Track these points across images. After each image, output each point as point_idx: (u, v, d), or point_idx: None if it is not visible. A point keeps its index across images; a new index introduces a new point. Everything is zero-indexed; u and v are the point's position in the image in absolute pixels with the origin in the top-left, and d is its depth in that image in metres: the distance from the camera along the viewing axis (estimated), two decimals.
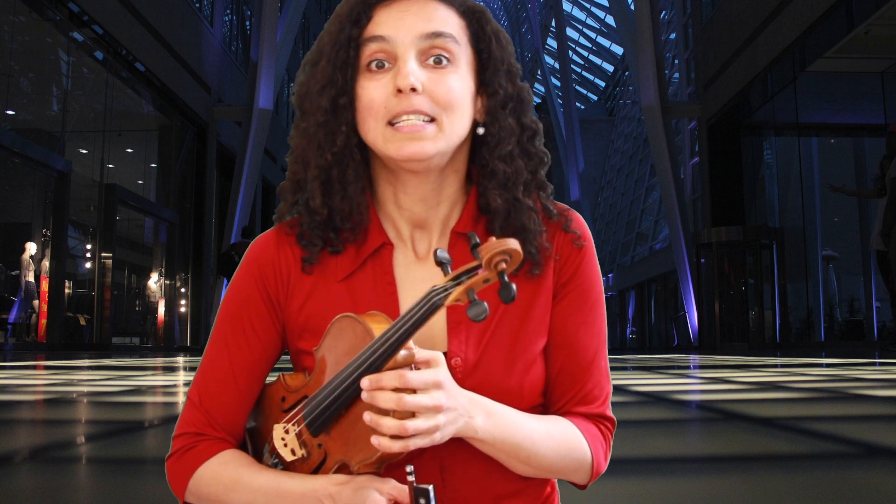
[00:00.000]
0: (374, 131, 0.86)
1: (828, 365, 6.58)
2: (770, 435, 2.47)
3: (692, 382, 5.12)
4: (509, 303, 0.72)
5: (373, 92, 0.86)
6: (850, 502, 1.53)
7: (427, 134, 0.84)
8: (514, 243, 0.72)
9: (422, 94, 0.84)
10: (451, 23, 0.88)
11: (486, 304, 0.72)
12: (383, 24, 0.87)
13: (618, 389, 3.81)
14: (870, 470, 1.83)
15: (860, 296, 13.32)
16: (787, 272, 14.16)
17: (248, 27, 20.51)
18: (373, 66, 0.86)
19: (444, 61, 0.86)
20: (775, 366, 6.62)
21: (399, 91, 0.84)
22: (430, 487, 0.77)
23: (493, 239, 0.72)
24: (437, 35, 0.86)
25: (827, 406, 3.32)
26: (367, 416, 0.76)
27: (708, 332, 14.81)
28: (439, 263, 0.75)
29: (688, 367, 7.07)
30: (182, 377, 5.69)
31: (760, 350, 12.46)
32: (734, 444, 2.32)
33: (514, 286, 0.72)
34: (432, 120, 0.85)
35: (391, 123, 0.85)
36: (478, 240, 0.74)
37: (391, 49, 0.86)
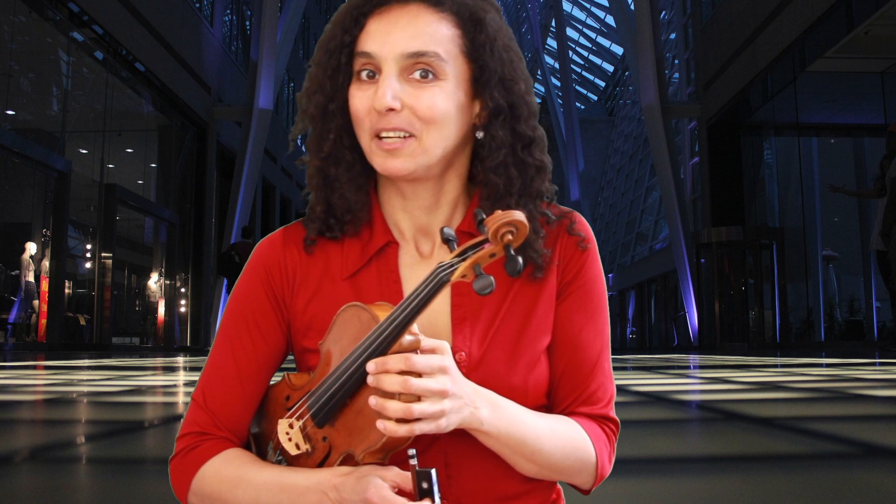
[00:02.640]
0: (363, 140, 0.88)
1: (828, 365, 6.57)
2: (770, 435, 2.47)
3: (692, 382, 5.12)
4: (516, 276, 0.72)
5: (358, 103, 0.87)
6: (850, 502, 1.53)
7: (405, 151, 0.85)
8: (519, 215, 0.72)
9: (401, 111, 0.85)
10: (440, 36, 0.86)
11: (492, 277, 0.72)
12: (370, 38, 0.87)
13: (618, 389, 3.79)
14: (870, 470, 1.83)
15: (860, 296, 13.32)
16: (787, 272, 14.15)
17: (248, 27, 20.50)
18: (363, 75, 0.88)
19: (430, 75, 0.86)
20: (775, 366, 6.62)
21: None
22: (433, 471, 0.77)
23: (499, 211, 0.73)
24: (420, 55, 0.85)
25: (827, 406, 3.32)
26: (373, 400, 0.76)
27: (708, 332, 14.81)
28: (445, 240, 0.76)
29: (688, 367, 7.07)
30: (182, 377, 5.69)
31: (760, 350, 12.46)
32: (734, 444, 2.32)
33: (520, 259, 0.72)
34: (412, 135, 0.85)
35: (376, 136, 0.86)
36: (483, 216, 0.74)
37: (376, 64, 0.86)
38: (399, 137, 0.85)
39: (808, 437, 2.34)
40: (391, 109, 0.84)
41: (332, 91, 0.89)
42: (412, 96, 0.85)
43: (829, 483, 1.69)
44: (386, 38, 0.86)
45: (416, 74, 0.85)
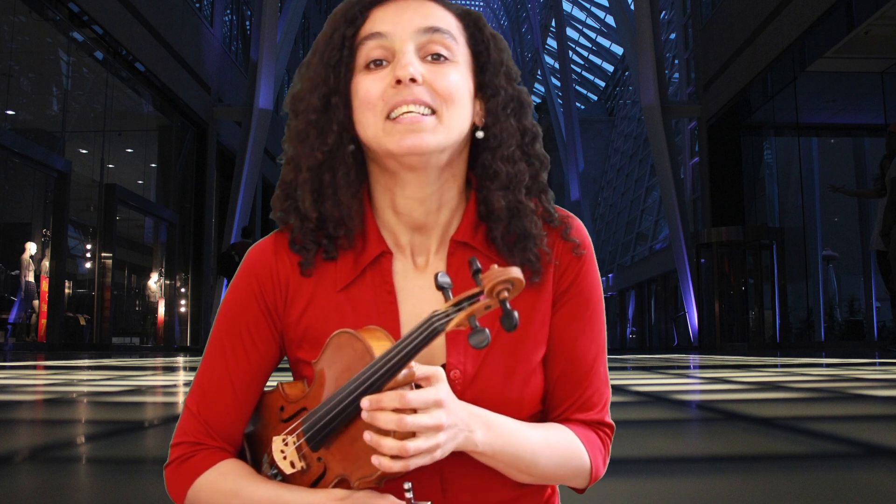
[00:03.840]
0: (372, 126, 0.85)
1: (828, 365, 6.57)
2: (770, 435, 2.47)
3: (692, 382, 5.12)
4: (511, 331, 0.71)
5: (370, 85, 0.85)
6: (850, 502, 1.53)
7: (427, 126, 0.83)
8: (516, 272, 0.71)
9: (422, 86, 0.83)
10: (449, 21, 0.88)
11: (487, 331, 0.72)
12: (380, 21, 0.86)
13: (618, 389, 3.81)
14: (870, 470, 1.83)
15: (860, 296, 13.33)
16: (787, 272, 14.16)
17: (248, 27, 20.50)
18: (371, 65, 0.86)
19: (443, 57, 0.85)
20: (775, 366, 6.62)
21: (398, 82, 0.83)
22: None
23: (495, 267, 0.72)
24: (436, 30, 0.85)
25: (827, 406, 3.32)
26: (368, 437, 0.75)
27: (708, 332, 14.81)
28: (440, 288, 0.74)
29: (688, 367, 7.07)
30: (182, 377, 5.69)
31: (760, 350, 12.45)
32: (734, 444, 2.32)
33: (516, 314, 0.71)
34: (433, 112, 0.84)
35: (390, 118, 0.84)
36: (479, 265, 0.73)
37: (389, 45, 0.85)
38: (420, 113, 0.83)
39: (808, 437, 2.34)
40: (413, 80, 0.82)
41: (335, 83, 0.87)
42: (430, 72, 0.84)
43: (829, 483, 1.69)
44: (398, 19, 0.86)
45: (430, 56, 0.85)
